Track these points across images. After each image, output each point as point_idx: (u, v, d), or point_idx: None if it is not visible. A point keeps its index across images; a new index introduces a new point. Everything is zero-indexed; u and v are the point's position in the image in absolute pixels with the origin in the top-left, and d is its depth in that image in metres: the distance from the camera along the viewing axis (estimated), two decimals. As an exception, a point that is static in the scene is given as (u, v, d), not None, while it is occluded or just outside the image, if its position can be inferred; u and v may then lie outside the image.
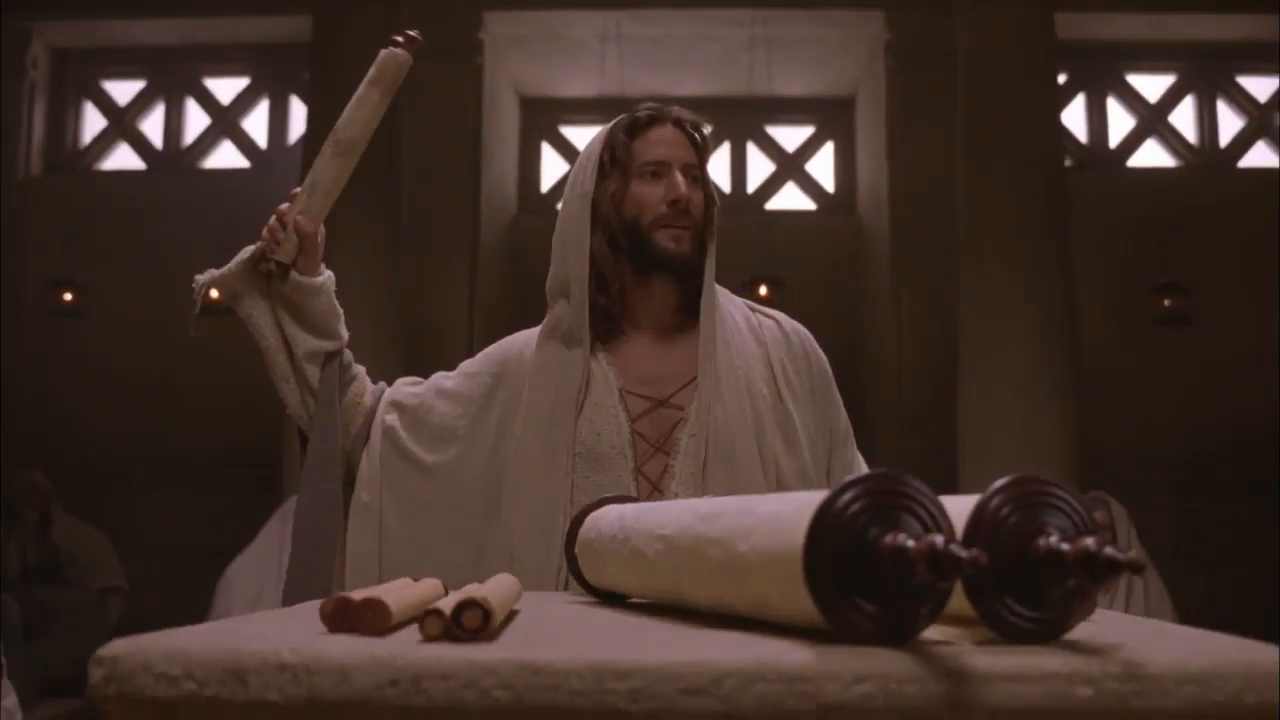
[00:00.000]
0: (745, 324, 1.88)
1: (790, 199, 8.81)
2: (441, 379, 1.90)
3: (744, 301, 1.92)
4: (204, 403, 7.56)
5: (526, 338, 1.88)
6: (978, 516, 0.91)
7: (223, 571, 5.64)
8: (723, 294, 1.88)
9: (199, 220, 7.68)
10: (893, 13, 7.60)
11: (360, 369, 1.92)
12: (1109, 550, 0.85)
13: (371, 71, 1.86)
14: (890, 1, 7.61)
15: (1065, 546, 0.88)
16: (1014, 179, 5.87)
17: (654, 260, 1.78)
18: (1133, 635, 0.99)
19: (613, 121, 1.86)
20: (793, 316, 1.96)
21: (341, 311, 1.90)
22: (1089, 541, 0.86)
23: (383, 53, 1.88)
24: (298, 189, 1.88)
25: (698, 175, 1.82)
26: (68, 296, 7.16)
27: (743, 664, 0.85)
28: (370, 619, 0.97)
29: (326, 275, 1.87)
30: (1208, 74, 8.09)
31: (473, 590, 0.96)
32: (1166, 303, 6.83)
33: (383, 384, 1.93)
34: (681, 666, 0.85)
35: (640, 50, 7.91)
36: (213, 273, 1.89)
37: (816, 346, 1.93)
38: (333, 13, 6.53)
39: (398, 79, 1.86)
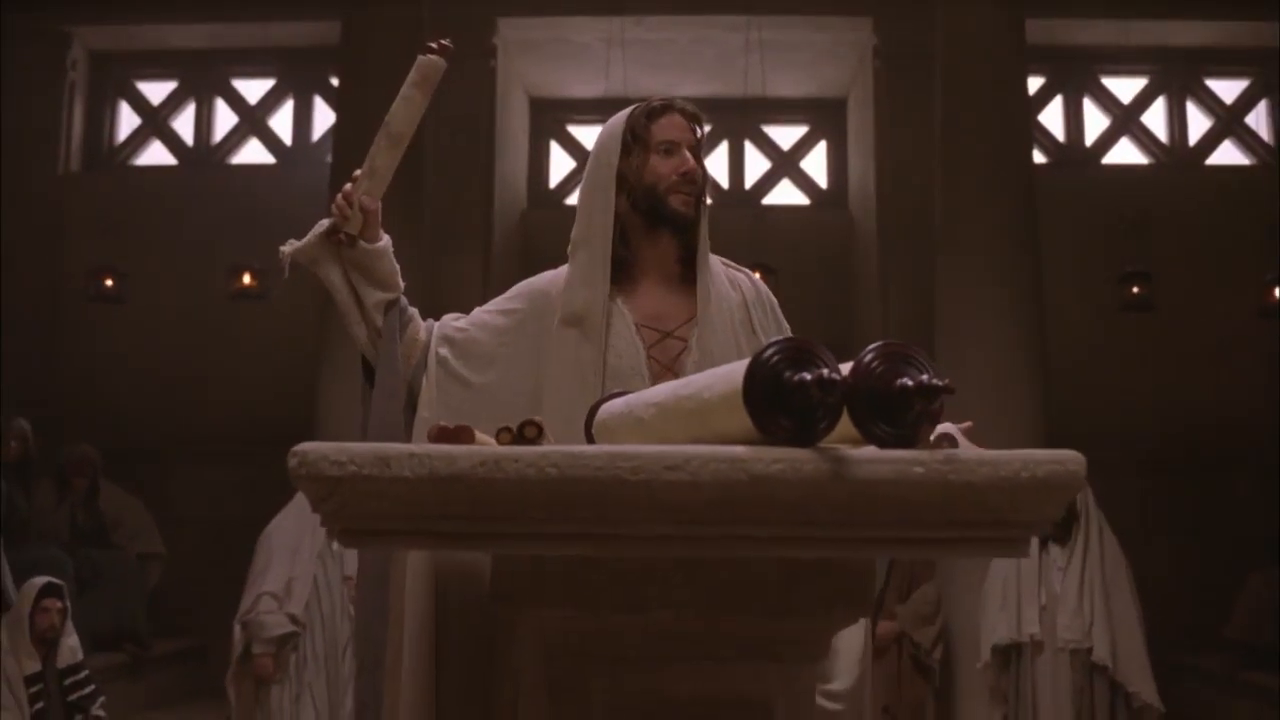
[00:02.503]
0: (725, 277, 2.37)
1: (785, 194, 9.30)
2: (481, 313, 2.32)
3: (719, 259, 2.39)
4: (234, 382, 8.03)
5: (551, 276, 2.31)
6: (855, 366, 1.41)
7: (253, 541, 5.99)
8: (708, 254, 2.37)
9: (227, 212, 8.19)
10: (879, 19, 8.06)
11: (414, 311, 2.31)
12: (933, 380, 1.35)
13: (413, 75, 2.25)
14: (877, 8, 8.07)
15: (910, 383, 1.38)
16: (986, 174, 6.36)
17: (665, 218, 2.23)
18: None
19: (628, 109, 2.30)
20: (787, 304, 2.44)
21: (398, 268, 2.30)
22: (924, 377, 1.36)
23: (420, 58, 2.25)
24: (358, 171, 2.25)
25: (698, 154, 2.29)
26: (109, 282, 7.66)
27: (703, 452, 1.36)
28: (462, 439, 1.46)
29: (386, 240, 2.28)
30: (1178, 77, 8.58)
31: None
32: (1134, 289, 7.32)
33: (432, 321, 2.33)
34: (665, 452, 1.35)
35: (643, 54, 8.36)
36: (294, 243, 2.26)
37: (775, 300, 2.41)
38: (360, 17, 7.04)
39: (435, 80, 2.26)
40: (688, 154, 2.25)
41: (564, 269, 2.28)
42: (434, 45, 2.24)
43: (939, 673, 5.87)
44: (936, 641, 5.82)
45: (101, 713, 5.16)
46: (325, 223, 2.23)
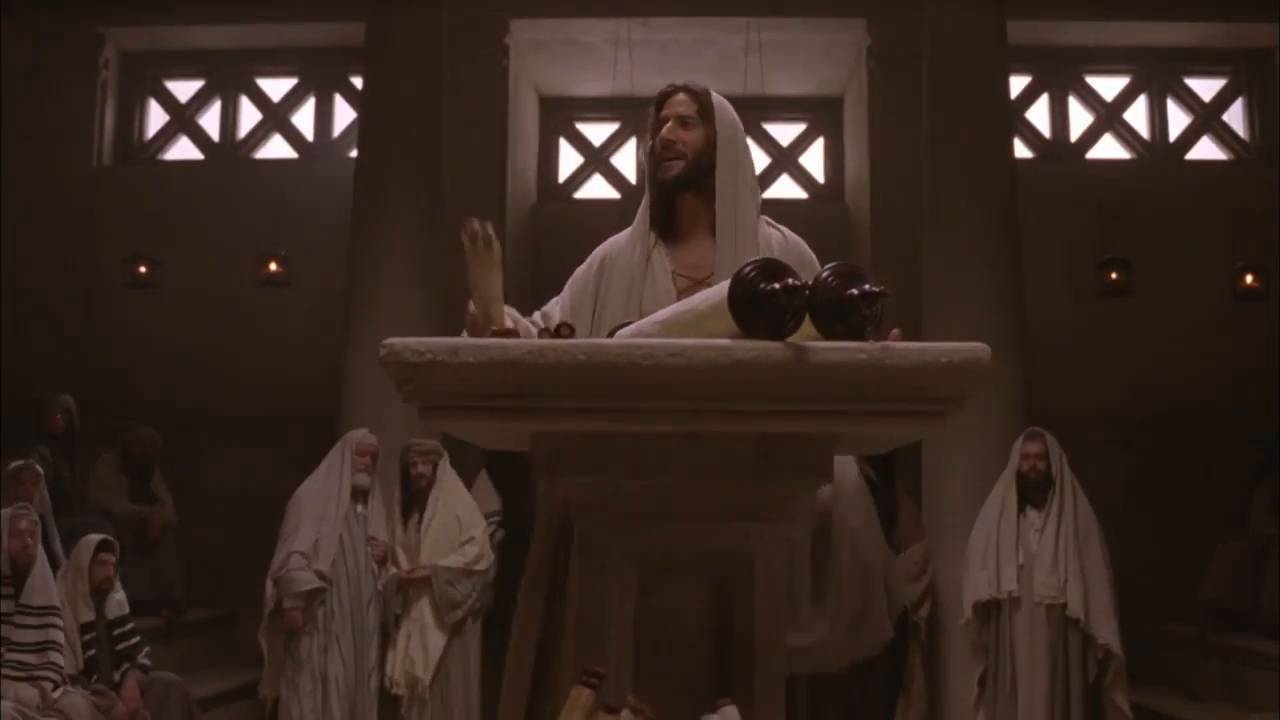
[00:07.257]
0: (761, 233, 2.62)
1: (784, 189, 9.68)
2: (568, 287, 2.67)
3: (765, 218, 2.67)
4: (262, 364, 8.38)
5: (615, 239, 2.67)
6: (815, 280, 1.82)
7: (279, 515, 6.29)
8: (749, 213, 2.61)
9: (251, 204, 8.58)
10: (873, 21, 8.46)
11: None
12: (874, 288, 1.76)
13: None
14: (871, 10, 8.47)
15: (857, 292, 1.79)
16: (968, 165, 6.75)
17: (658, 184, 2.61)
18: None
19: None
20: None
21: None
22: (866, 286, 1.78)
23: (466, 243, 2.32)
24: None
25: (693, 123, 2.60)
26: (142, 269, 8.08)
27: (697, 342, 1.77)
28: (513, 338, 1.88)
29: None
30: (1158, 76, 8.97)
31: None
32: (1113, 275, 7.72)
33: (538, 315, 2.60)
34: (668, 342, 1.77)
35: (648, 54, 8.71)
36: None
37: (809, 253, 2.66)
38: (383, 19, 7.45)
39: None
40: (667, 125, 2.58)
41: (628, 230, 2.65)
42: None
43: (925, 628, 6.25)
44: (923, 598, 6.19)
45: (146, 661, 5.54)
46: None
